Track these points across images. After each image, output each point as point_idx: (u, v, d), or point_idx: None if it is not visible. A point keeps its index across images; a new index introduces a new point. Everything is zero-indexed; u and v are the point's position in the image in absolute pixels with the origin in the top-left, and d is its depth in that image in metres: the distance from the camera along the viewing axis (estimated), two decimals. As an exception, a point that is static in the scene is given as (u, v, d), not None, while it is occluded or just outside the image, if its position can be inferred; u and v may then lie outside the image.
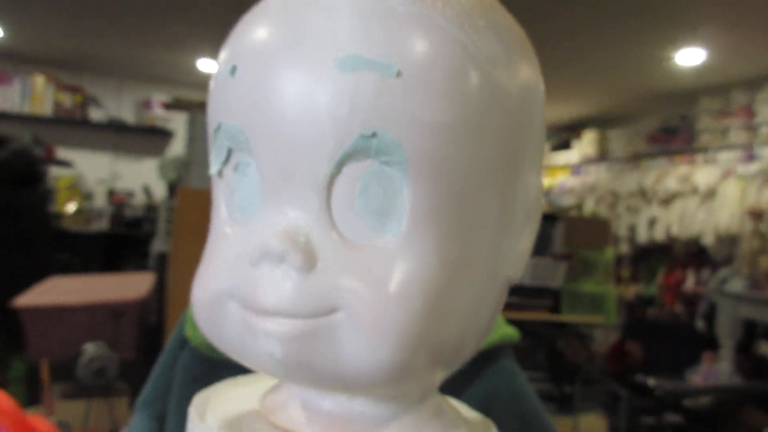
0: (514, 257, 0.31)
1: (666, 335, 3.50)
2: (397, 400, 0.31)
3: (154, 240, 3.69)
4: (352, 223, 0.28)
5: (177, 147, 4.66)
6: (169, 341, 0.79)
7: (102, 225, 4.42)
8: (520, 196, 0.30)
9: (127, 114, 4.76)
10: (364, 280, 0.27)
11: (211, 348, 0.76)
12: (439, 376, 0.31)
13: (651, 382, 1.53)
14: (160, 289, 3.02)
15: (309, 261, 0.27)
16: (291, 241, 0.27)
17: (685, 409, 1.41)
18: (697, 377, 3.09)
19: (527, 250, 0.32)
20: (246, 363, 0.31)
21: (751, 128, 3.35)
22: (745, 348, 2.97)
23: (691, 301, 3.46)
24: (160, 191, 4.14)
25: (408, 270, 0.27)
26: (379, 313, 0.27)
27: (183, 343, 0.77)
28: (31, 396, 2.22)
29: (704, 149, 3.61)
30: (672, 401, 1.42)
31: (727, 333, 2.95)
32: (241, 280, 0.29)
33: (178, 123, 4.55)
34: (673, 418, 2.06)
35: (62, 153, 4.37)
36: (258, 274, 0.28)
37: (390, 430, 0.31)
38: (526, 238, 0.32)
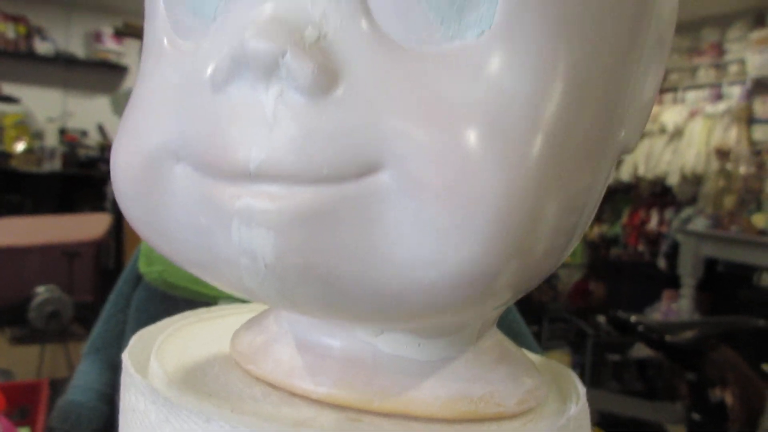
0: (637, 109, 0.20)
1: (628, 274, 3.57)
2: (447, 336, 0.20)
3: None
4: (402, 13, 0.16)
5: (131, 84, 4.43)
6: (120, 280, 0.72)
7: (54, 165, 4.22)
8: (656, 4, 0.20)
9: (76, 47, 4.49)
10: (426, 116, 0.15)
11: (169, 283, 0.70)
12: (507, 299, 0.20)
13: (633, 318, 1.54)
14: (117, 231, 2.92)
15: (325, 75, 0.15)
16: (290, 36, 0.15)
17: (667, 344, 1.42)
18: (657, 315, 3.16)
19: (651, 102, 0.21)
20: (208, 276, 0.19)
21: (721, 66, 3.33)
22: (705, 286, 3.03)
23: (654, 241, 3.51)
24: (115, 131, 3.96)
25: (504, 99, 0.15)
26: (458, 177, 0.15)
27: (137, 281, 0.71)
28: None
29: (673, 88, 3.59)
30: (656, 337, 1.42)
31: (688, 271, 3.00)
32: (194, 125, 0.17)
33: (131, 58, 4.32)
34: (637, 353, 2.10)
35: (7, 88, 4.12)
36: (227, 109, 0.16)
37: (437, 385, 0.20)
38: (652, 80, 0.21)
